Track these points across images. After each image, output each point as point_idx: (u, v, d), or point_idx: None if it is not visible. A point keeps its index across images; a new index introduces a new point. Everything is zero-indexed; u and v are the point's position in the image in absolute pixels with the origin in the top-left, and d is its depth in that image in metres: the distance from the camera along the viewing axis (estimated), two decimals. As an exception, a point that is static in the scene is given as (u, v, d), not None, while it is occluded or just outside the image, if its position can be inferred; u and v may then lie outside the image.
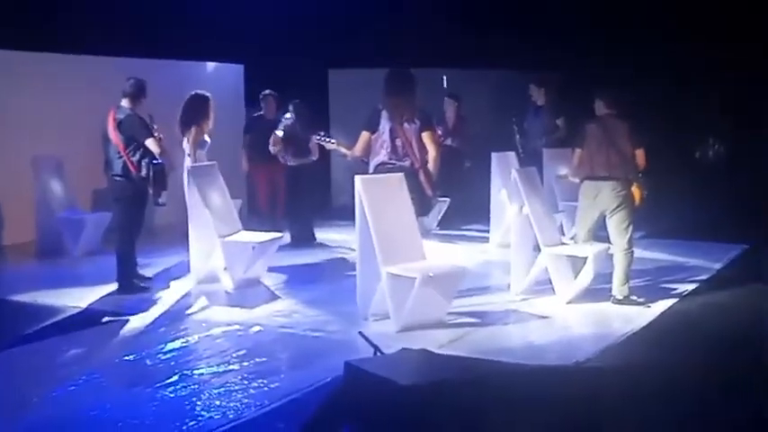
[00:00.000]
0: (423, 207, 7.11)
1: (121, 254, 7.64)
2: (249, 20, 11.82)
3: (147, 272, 8.17)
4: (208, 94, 8.29)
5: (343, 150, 7.60)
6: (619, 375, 4.81)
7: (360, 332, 5.38)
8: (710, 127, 14.88)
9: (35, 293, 7.58)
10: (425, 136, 7.05)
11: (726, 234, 9.60)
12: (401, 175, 6.78)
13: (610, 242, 7.17)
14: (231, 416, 4.76)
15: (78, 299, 7.39)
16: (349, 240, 8.93)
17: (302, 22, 12.25)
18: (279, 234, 8.09)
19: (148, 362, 5.75)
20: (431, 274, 6.20)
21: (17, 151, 9.58)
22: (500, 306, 7.11)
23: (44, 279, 8.22)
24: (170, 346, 6.08)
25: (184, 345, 6.13)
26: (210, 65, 12.47)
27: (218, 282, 7.75)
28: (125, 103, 7.56)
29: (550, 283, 7.20)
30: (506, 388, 4.01)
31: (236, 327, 6.54)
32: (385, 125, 7.01)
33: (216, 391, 5.15)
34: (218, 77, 12.30)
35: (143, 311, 6.98)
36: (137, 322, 6.71)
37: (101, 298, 7.45)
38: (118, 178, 7.50)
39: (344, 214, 9.35)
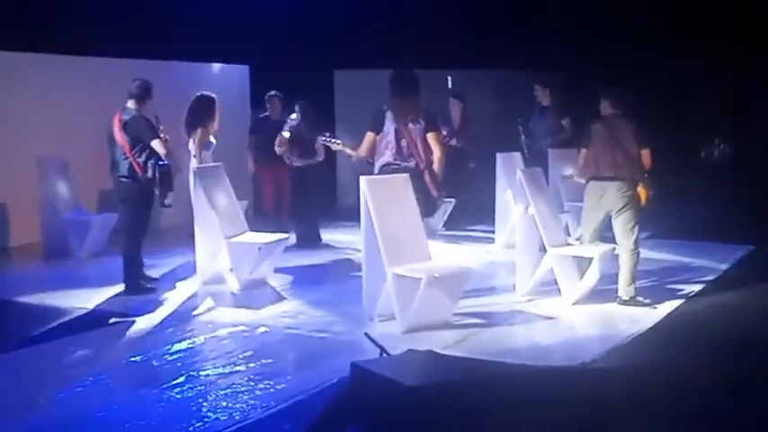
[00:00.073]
0: (428, 208, 7.11)
1: (128, 255, 7.65)
2: (254, 21, 11.84)
3: (154, 273, 8.18)
4: (213, 96, 8.30)
5: (349, 151, 7.60)
6: (625, 376, 4.80)
7: (365, 333, 5.39)
8: (717, 127, 14.88)
9: (41, 295, 7.60)
10: (430, 136, 7.05)
11: (732, 234, 9.58)
12: (406, 175, 6.78)
13: (615, 243, 7.16)
14: (237, 417, 4.76)
15: (85, 300, 7.40)
16: (354, 241, 8.93)
17: (307, 23, 12.27)
18: (285, 235, 8.09)
19: (155, 363, 5.76)
20: (436, 275, 6.20)
21: (22, 153, 9.58)
22: (506, 307, 7.10)
23: (50, 280, 8.23)
24: (176, 347, 6.08)
25: (191, 346, 6.13)
26: (216, 66, 12.48)
27: (225, 283, 7.76)
28: (131, 104, 7.57)
29: (556, 283, 7.19)
30: (512, 389, 4.02)
31: (243, 328, 6.55)
32: (390, 126, 7.02)
33: (222, 393, 5.15)
34: (223, 78, 12.31)
35: (149, 312, 6.99)
36: (143, 323, 6.72)
37: (107, 299, 7.47)
38: (124, 179, 7.52)
39: (350, 215, 9.35)
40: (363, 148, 7.18)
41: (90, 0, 10.30)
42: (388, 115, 7.04)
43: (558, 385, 4.13)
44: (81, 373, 5.48)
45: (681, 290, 7.56)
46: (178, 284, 7.95)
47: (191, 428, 4.61)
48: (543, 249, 7.25)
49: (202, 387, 5.26)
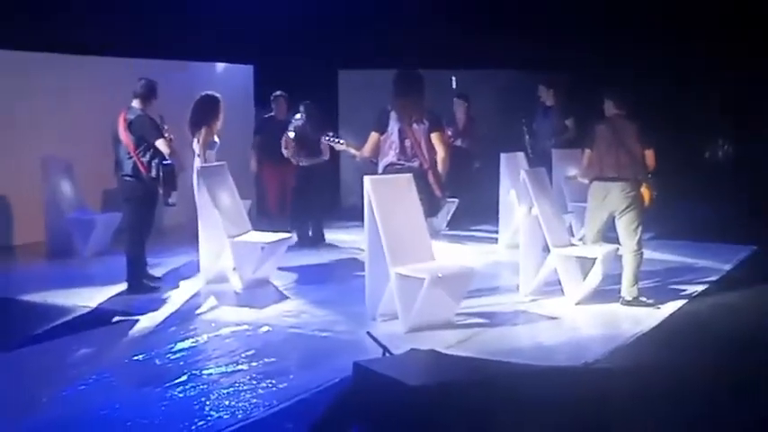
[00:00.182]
0: (431, 208, 7.11)
1: (131, 254, 7.66)
2: (259, 21, 11.84)
3: (157, 272, 8.19)
4: (218, 95, 8.31)
5: (353, 151, 7.59)
6: (628, 377, 4.80)
7: (368, 333, 5.39)
8: (720, 127, 14.85)
9: (45, 293, 7.61)
10: (434, 137, 7.05)
11: (735, 235, 9.58)
12: (410, 175, 6.78)
13: (619, 243, 7.16)
14: (240, 416, 4.77)
15: (88, 299, 7.41)
16: (358, 241, 8.93)
17: (312, 22, 12.26)
18: (288, 234, 8.10)
19: (158, 362, 5.76)
20: (440, 275, 6.20)
21: (27, 152, 9.59)
22: (509, 307, 7.10)
23: (54, 279, 8.24)
24: (179, 345, 6.09)
25: (194, 345, 6.14)
26: (220, 66, 12.49)
27: (228, 282, 7.76)
28: (136, 103, 7.58)
29: (559, 284, 7.19)
30: (515, 389, 4.01)
31: (245, 327, 6.55)
32: (394, 126, 7.02)
33: (225, 391, 5.16)
34: (227, 78, 12.32)
35: (153, 311, 7.00)
36: (146, 322, 6.72)
37: (110, 298, 7.47)
38: (128, 179, 7.53)
39: (353, 215, 9.36)
40: (367, 148, 7.19)
41: (95, 0, 10.31)
42: (393, 115, 7.04)
43: (562, 385, 4.13)
44: (84, 372, 5.49)
45: (684, 290, 7.56)
46: (181, 283, 7.95)
47: (193, 427, 4.61)
48: (547, 249, 7.24)
49: (205, 386, 5.27)
